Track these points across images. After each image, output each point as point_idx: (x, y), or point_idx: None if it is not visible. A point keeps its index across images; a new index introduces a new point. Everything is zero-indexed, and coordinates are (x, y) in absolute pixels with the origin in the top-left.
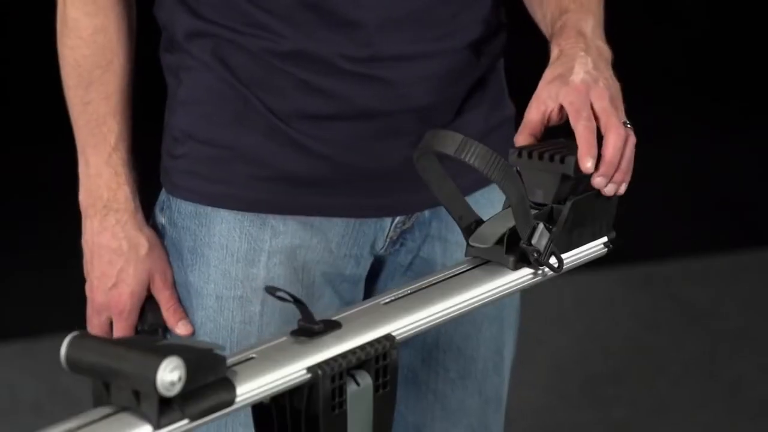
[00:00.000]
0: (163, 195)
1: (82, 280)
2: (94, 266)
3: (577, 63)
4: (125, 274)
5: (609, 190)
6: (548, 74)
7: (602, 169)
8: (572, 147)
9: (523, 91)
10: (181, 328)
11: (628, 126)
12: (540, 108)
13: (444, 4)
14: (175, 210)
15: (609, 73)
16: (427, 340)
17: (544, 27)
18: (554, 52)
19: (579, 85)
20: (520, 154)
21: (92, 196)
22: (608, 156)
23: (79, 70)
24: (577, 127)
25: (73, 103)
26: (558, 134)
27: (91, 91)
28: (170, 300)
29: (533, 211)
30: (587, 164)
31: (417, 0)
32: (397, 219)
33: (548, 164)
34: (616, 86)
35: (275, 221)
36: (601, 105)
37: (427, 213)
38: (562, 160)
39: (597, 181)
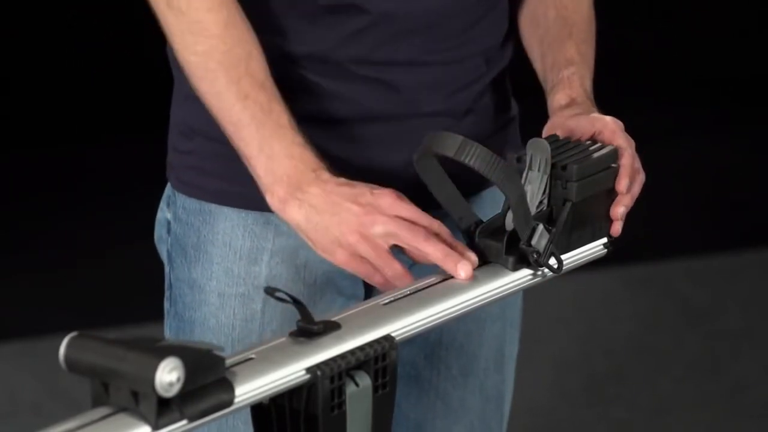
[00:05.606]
0: (168, 190)
1: (82, 281)
2: (343, 216)
3: (596, 112)
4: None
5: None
6: (566, 113)
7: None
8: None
9: (526, 92)
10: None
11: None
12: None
13: (457, 18)
14: (180, 206)
15: None
16: (430, 338)
17: (541, 67)
18: (563, 99)
19: (616, 126)
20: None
21: (297, 177)
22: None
23: (223, 69)
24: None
25: (228, 106)
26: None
27: (244, 86)
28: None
29: (533, 212)
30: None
31: (433, 14)
32: None
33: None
34: None
35: (279, 220)
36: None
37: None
38: (564, 168)
39: (619, 211)
